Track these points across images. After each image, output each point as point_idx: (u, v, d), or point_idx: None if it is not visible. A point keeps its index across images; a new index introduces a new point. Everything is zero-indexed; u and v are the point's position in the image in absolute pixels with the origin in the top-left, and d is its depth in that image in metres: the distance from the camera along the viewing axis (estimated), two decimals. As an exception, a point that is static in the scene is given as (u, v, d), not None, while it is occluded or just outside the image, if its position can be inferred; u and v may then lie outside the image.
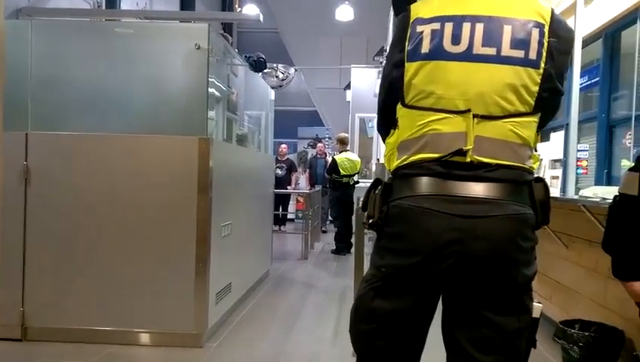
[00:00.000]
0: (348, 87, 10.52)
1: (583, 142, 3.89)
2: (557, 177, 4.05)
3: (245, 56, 4.89)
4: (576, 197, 3.23)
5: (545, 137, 4.57)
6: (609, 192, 2.88)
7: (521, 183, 1.36)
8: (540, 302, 1.46)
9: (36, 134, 3.43)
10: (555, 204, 3.74)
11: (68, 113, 3.60)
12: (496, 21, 1.32)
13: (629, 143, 3.31)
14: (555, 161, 4.22)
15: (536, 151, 1.40)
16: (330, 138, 13.72)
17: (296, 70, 9.35)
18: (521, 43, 1.30)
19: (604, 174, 3.70)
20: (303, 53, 11.86)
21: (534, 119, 1.35)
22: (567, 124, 3.60)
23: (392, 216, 1.38)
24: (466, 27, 1.32)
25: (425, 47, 1.34)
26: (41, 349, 3.24)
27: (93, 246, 3.39)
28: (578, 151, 3.64)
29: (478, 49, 1.31)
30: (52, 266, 3.39)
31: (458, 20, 1.33)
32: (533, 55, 1.30)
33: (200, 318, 3.36)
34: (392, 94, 1.42)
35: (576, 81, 3.46)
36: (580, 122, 3.60)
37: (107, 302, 3.37)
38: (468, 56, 1.31)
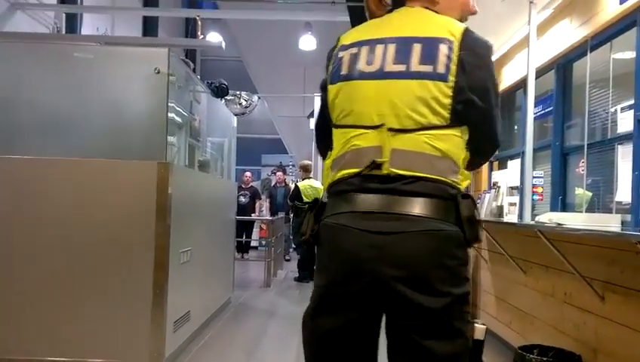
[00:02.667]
0: (311, 115, 10.62)
1: (539, 169, 4.02)
2: (514, 204, 4.15)
3: (207, 82, 4.87)
4: (532, 222, 3.30)
5: (502, 165, 4.71)
6: (564, 218, 2.97)
7: (442, 198, 1.34)
8: (483, 324, 1.41)
9: (-11, 158, 3.30)
10: (513, 230, 3.84)
11: (23, 136, 3.49)
12: (407, 41, 1.38)
13: (582, 171, 3.44)
14: (513, 188, 4.33)
15: (467, 169, 1.41)
16: (293, 165, 13.74)
17: (259, 98, 9.38)
18: (429, 58, 1.35)
19: (559, 200, 3.82)
20: (266, 82, 11.93)
21: (453, 132, 1.36)
22: (523, 152, 3.71)
23: (321, 235, 1.40)
24: (379, 48, 1.39)
25: (344, 70, 1.42)
26: None
27: (44, 272, 3.26)
28: (534, 178, 3.74)
29: (390, 67, 1.37)
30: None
31: (373, 43, 1.41)
32: (441, 69, 1.34)
33: (156, 347, 3.24)
34: (322, 116, 1.49)
35: (531, 110, 3.58)
36: (535, 150, 3.71)
37: (58, 332, 3.23)
38: (380, 74, 1.37)
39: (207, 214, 4.52)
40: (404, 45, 1.38)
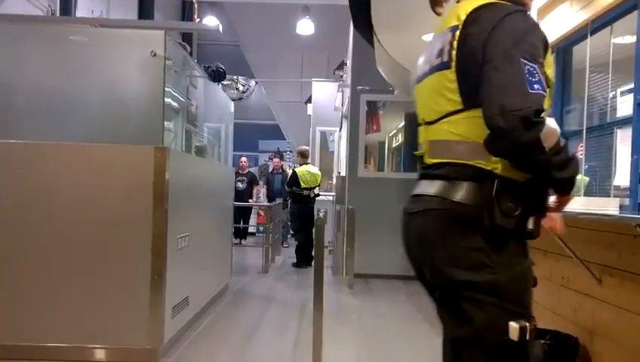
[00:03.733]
0: (309, 100, 10.56)
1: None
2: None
3: (204, 67, 4.82)
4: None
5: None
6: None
7: (461, 179, 1.35)
8: (527, 323, 1.27)
9: (-17, 142, 3.26)
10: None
11: (19, 121, 3.45)
12: (437, 38, 1.51)
13: (581, 155, 3.43)
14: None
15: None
16: (291, 151, 13.71)
17: (256, 83, 9.31)
18: (440, 51, 1.44)
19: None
20: (263, 67, 11.86)
21: (472, 114, 1.33)
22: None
23: None
24: (425, 52, 1.57)
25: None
26: None
27: (43, 259, 3.24)
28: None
29: (424, 69, 1.53)
30: (-2, 281, 3.21)
31: (427, 47, 1.57)
32: (446, 58, 1.41)
33: (155, 332, 3.24)
34: None
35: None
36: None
37: (57, 317, 3.23)
38: (420, 77, 1.56)
39: (205, 200, 4.50)
40: (432, 44, 1.53)
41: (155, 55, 3.32)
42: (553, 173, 1.27)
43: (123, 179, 3.28)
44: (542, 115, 1.23)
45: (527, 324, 1.29)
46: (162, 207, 3.26)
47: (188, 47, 4.38)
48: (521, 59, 1.25)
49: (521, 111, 1.20)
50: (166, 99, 3.69)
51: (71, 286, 3.24)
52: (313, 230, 6.25)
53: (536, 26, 1.40)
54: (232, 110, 5.92)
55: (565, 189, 1.34)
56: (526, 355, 1.30)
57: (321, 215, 3.74)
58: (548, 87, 1.31)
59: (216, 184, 4.97)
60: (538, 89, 1.24)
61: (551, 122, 1.25)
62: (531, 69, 1.25)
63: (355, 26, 4.59)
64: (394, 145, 9.07)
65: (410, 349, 3.77)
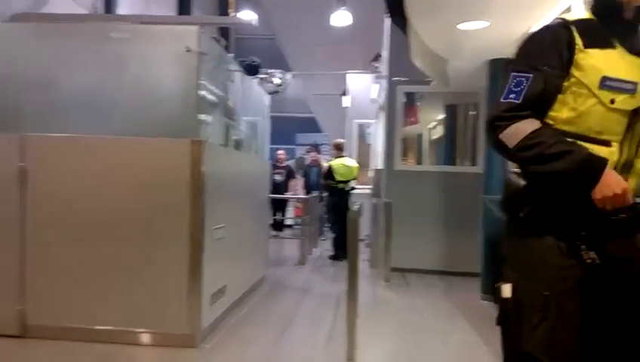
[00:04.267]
0: (344, 93, 10.52)
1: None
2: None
3: (240, 60, 4.87)
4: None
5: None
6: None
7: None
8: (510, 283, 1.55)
9: (32, 136, 3.42)
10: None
11: (62, 115, 3.59)
12: None
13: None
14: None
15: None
16: (328, 144, 13.72)
17: (292, 76, 9.35)
18: None
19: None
20: (300, 60, 11.87)
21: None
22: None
23: None
24: None
25: None
26: (39, 346, 3.28)
27: (89, 247, 3.39)
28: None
29: None
30: (51, 266, 3.41)
31: None
32: None
33: (194, 319, 3.34)
34: None
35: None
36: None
37: (104, 302, 3.38)
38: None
39: (241, 192, 4.57)
40: None
41: (189, 50, 3.38)
42: (524, 168, 1.49)
43: (162, 172, 3.37)
44: (515, 118, 1.43)
45: None
46: (199, 198, 3.33)
47: (223, 42, 4.44)
48: (512, 73, 1.48)
49: (488, 118, 1.50)
50: (203, 93, 3.77)
51: (116, 273, 3.37)
52: (349, 223, 6.26)
53: (540, 31, 1.49)
54: (268, 103, 5.96)
55: (552, 183, 1.43)
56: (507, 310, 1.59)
57: (355, 208, 3.73)
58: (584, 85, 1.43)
59: (252, 176, 5.03)
60: (511, 97, 1.45)
61: (521, 123, 1.42)
62: (521, 79, 1.45)
63: (389, 16, 4.53)
64: (433, 138, 8.94)
65: (446, 345, 3.73)
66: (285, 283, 5.67)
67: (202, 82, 3.56)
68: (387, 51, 7.07)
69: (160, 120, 3.55)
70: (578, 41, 1.44)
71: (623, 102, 1.40)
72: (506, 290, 1.53)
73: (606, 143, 1.42)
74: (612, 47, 1.45)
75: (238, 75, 4.85)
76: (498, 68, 5.23)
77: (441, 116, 8.03)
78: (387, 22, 6.61)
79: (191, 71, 3.46)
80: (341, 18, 10.08)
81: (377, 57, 9.38)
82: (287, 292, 5.22)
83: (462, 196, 6.33)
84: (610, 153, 1.41)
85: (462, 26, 4.27)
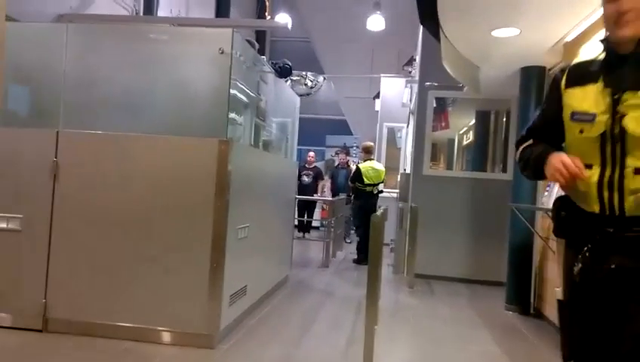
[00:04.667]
0: (377, 96, 10.49)
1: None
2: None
3: (272, 63, 4.93)
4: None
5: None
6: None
7: None
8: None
9: (66, 132, 3.54)
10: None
11: (96, 112, 3.70)
12: None
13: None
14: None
15: None
16: (357, 147, 13.70)
17: (324, 78, 9.39)
18: None
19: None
20: (333, 62, 11.91)
21: None
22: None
23: None
24: None
25: None
26: (61, 340, 3.34)
27: (114, 243, 3.47)
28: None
29: None
30: (75, 261, 3.49)
31: None
32: None
33: (212, 319, 3.38)
34: None
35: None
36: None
37: (124, 299, 3.44)
38: None
39: (267, 192, 4.62)
40: None
41: (222, 52, 3.44)
42: (523, 174, 1.94)
43: (189, 170, 3.43)
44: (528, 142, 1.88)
45: None
46: (223, 197, 3.39)
47: (256, 44, 4.50)
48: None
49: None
50: (234, 94, 3.83)
51: (137, 271, 3.44)
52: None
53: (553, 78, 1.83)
54: (298, 105, 6.01)
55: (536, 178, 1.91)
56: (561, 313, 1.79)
57: (379, 212, 3.73)
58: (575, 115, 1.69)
59: (279, 177, 5.08)
60: (523, 131, 1.93)
61: (522, 146, 1.89)
62: (534, 117, 1.92)
63: (421, 21, 4.52)
64: (464, 144, 8.84)
65: (465, 355, 3.68)
66: (308, 285, 5.70)
67: (235, 83, 3.62)
68: (419, 56, 7.03)
69: (191, 119, 3.62)
70: (562, 83, 1.73)
71: (589, 130, 1.61)
72: (559, 293, 1.75)
73: (589, 166, 1.62)
74: (594, 82, 1.64)
75: (270, 77, 4.91)
76: (530, 76, 5.14)
77: (472, 122, 7.94)
78: (421, 26, 6.57)
79: (223, 72, 3.51)
80: (376, 22, 10.07)
81: (411, 61, 9.34)
82: (308, 295, 5.25)
83: (490, 203, 6.23)
84: (591, 174, 1.60)
85: (494, 33, 4.22)
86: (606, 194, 1.57)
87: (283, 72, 4.84)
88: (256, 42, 4.57)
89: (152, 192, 3.46)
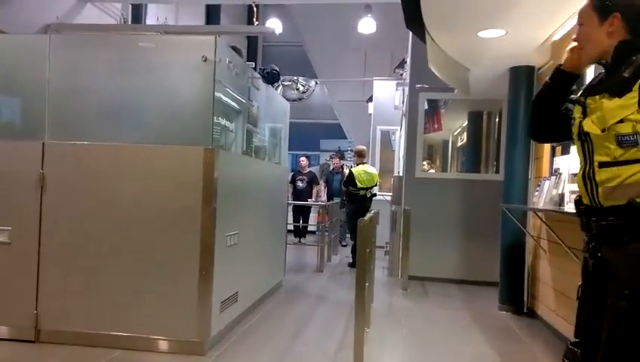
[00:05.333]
0: (370, 99, 10.51)
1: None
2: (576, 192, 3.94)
3: (260, 69, 4.93)
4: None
5: (565, 150, 4.45)
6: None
7: None
8: None
9: (52, 144, 3.54)
10: (573, 220, 3.62)
11: (80, 123, 3.68)
12: None
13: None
14: (575, 175, 4.10)
15: None
16: (352, 150, 13.71)
17: (317, 83, 9.41)
18: None
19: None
20: (326, 66, 11.94)
21: None
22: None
23: None
24: None
25: None
26: (52, 351, 3.36)
27: (103, 253, 3.47)
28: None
29: None
30: (65, 272, 3.50)
31: None
32: None
33: (203, 326, 3.38)
34: None
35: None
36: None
37: (114, 308, 3.44)
38: None
39: (257, 199, 4.62)
40: None
41: (205, 60, 3.44)
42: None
43: (175, 179, 3.43)
44: None
45: None
46: (210, 205, 3.39)
47: (242, 51, 4.50)
48: None
49: None
50: (225, 101, 3.83)
51: (126, 280, 3.44)
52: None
53: None
54: (288, 111, 6.00)
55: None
56: None
57: (367, 217, 3.73)
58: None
59: (268, 183, 5.08)
60: None
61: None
62: None
63: (407, 25, 4.52)
64: (458, 145, 8.85)
65: (457, 356, 3.68)
66: (302, 290, 5.69)
67: (221, 90, 3.61)
68: (410, 58, 7.05)
69: (177, 128, 3.60)
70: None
71: (573, 132, 1.86)
72: None
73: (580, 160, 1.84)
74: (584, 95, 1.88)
75: (257, 84, 4.90)
76: (519, 76, 5.16)
77: (465, 123, 7.95)
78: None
79: (207, 80, 3.50)
80: (367, 25, 10.11)
81: (402, 64, 9.35)
82: (302, 300, 5.24)
83: (483, 204, 6.24)
84: (580, 165, 1.84)
85: (481, 34, 4.23)
86: (588, 186, 1.75)
87: (270, 78, 4.84)
88: (241, 48, 4.56)
89: (139, 201, 3.46)
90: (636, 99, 1.63)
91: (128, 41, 3.80)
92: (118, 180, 3.49)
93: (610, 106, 1.69)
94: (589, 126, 1.74)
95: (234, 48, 4.29)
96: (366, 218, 3.45)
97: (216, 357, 3.37)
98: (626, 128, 1.65)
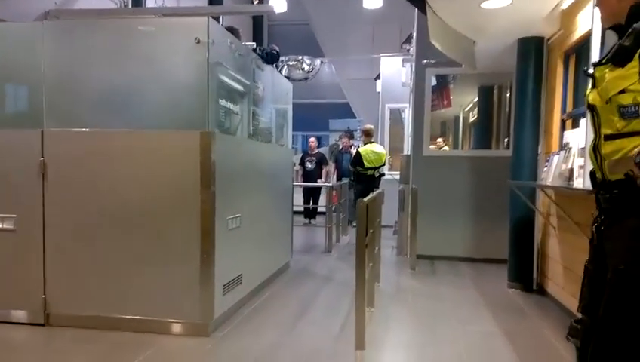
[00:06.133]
0: (378, 77, 10.35)
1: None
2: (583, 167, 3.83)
3: (260, 49, 4.85)
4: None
5: (575, 123, 4.33)
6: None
7: None
8: None
9: (50, 131, 3.54)
10: (581, 195, 3.52)
11: (79, 109, 3.67)
12: None
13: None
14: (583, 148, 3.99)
15: None
16: (360, 130, 13.57)
17: (322, 62, 9.29)
18: None
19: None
20: (333, 44, 11.76)
21: None
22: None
23: None
24: None
25: None
26: (61, 334, 3.46)
27: (105, 238, 3.50)
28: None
29: None
30: (70, 257, 3.55)
31: None
32: None
33: (206, 308, 3.41)
34: None
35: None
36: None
37: (120, 292, 3.49)
38: None
39: (259, 181, 4.58)
40: None
41: (198, 42, 3.37)
42: None
43: (174, 164, 3.42)
44: None
45: None
46: (209, 189, 3.37)
47: (239, 31, 4.41)
48: None
49: None
50: (223, 84, 3.77)
51: (132, 263, 3.47)
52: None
53: None
54: (291, 92, 5.92)
55: None
56: None
57: (369, 196, 3.68)
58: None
59: (272, 165, 5.04)
60: None
61: None
62: None
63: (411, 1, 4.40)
64: (470, 121, 8.69)
65: (462, 334, 3.64)
66: (309, 271, 5.69)
67: (222, 72, 3.55)
68: (416, 32, 6.88)
69: (174, 113, 3.56)
70: None
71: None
72: None
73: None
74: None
75: (262, 64, 4.82)
76: (528, 47, 5.00)
77: (476, 99, 7.79)
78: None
79: (201, 62, 3.44)
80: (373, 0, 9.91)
81: (409, 39, 9.16)
82: (308, 280, 5.24)
83: (493, 181, 6.12)
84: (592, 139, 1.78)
85: (484, 5, 4.09)
86: (598, 159, 1.72)
87: (270, 58, 4.76)
88: (239, 29, 4.48)
89: (139, 186, 3.46)
90: (637, 69, 1.56)
91: (121, 25, 3.74)
92: (117, 166, 3.49)
93: (612, 77, 1.63)
94: (594, 98, 1.71)
95: (230, 29, 4.21)
96: (365, 199, 3.40)
97: (220, 337, 3.40)
98: (627, 99, 1.59)
